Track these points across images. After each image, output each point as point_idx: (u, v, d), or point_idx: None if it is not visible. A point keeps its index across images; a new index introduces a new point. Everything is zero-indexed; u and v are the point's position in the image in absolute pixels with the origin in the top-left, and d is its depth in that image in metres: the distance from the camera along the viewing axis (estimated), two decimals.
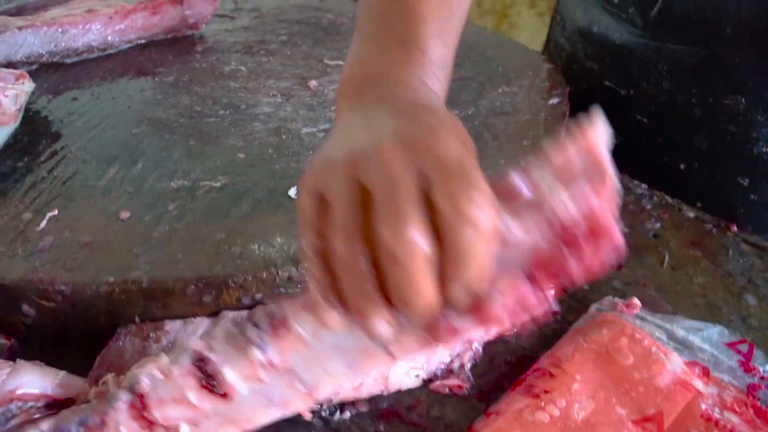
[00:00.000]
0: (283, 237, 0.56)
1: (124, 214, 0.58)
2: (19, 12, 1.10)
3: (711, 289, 0.63)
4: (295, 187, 0.62)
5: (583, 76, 0.81)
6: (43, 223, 0.57)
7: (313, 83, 0.80)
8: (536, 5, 2.17)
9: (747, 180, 0.73)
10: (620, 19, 0.75)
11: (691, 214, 0.72)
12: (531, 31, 2.11)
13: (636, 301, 0.57)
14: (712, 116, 0.72)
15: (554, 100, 0.76)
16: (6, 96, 0.68)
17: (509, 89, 0.79)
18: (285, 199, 0.61)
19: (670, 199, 0.74)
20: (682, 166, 0.76)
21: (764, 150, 0.72)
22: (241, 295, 0.53)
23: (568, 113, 0.74)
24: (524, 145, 0.67)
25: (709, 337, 0.55)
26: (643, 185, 0.76)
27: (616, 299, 0.58)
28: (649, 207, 0.73)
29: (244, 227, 0.57)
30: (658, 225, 0.71)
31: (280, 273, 0.53)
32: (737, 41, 0.68)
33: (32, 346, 0.52)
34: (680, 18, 0.70)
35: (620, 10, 0.74)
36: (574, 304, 0.61)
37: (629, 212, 0.72)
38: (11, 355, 0.50)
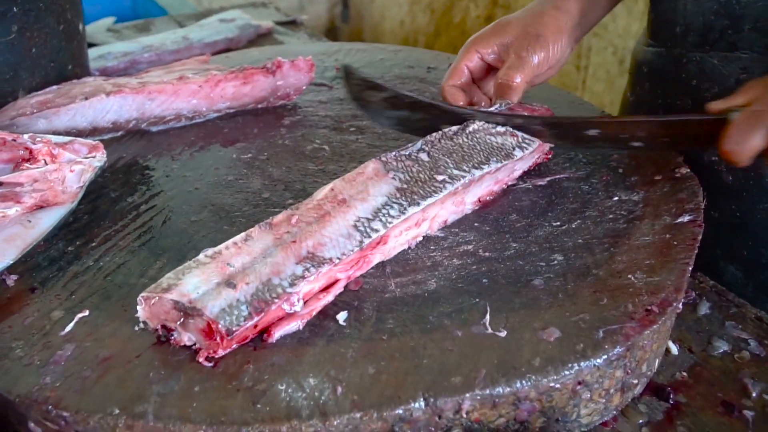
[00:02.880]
0: (318, 378, 0.47)
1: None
2: (132, 65, 1.12)
3: None
4: (346, 312, 0.53)
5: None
6: (70, 326, 0.52)
7: None
8: None
9: (705, 193, 0.70)
10: (644, 36, 0.85)
11: None
12: None
13: None
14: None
15: (684, 218, 0.62)
16: (72, 171, 0.65)
17: (627, 197, 0.65)
18: (332, 324, 0.52)
19: None
20: None
21: (714, 159, 0.74)
22: None
23: (700, 237, 0.59)
24: (634, 282, 0.54)
25: None
26: None
27: None
28: None
29: (276, 357, 0.49)
30: None
31: (303, 428, 0.44)
32: (684, 40, 0.74)
33: None
34: (655, 21, 0.80)
35: (647, 28, 0.84)
36: None
37: None
38: None
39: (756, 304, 0.72)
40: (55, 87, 0.81)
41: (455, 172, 0.60)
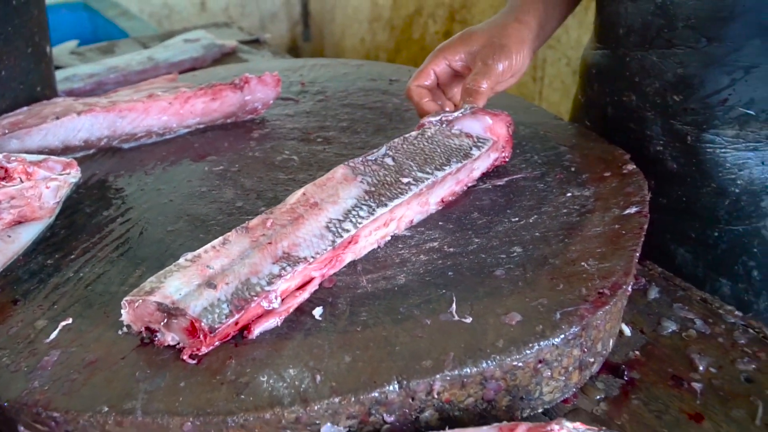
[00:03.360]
0: (297, 368, 0.50)
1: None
2: (98, 86, 1.14)
3: None
4: (321, 307, 0.56)
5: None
6: (54, 334, 0.54)
7: None
8: None
9: (653, 181, 0.78)
10: (591, 40, 0.90)
11: None
12: None
13: None
14: (619, 114, 0.83)
15: (632, 210, 0.66)
16: (48, 188, 0.67)
17: (579, 193, 0.70)
18: (309, 319, 0.55)
19: None
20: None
21: (659, 149, 0.80)
22: None
23: (646, 226, 0.64)
24: (587, 268, 0.58)
25: None
26: (737, 312, 0.65)
27: None
28: (742, 342, 0.62)
29: (256, 352, 0.52)
30: (753, 366, 0.59)
31: (286, 414, 0.47)
32: (627, 41, 0.79)
33: None
34: (601, 25, 0.85)
35: (594, 32, 0.89)
36: None
37: (717, 347, 0.61)
38: None
39: (706, 282, 0.77)
40: (25, 108, 0.83)
41: (419, 174, 0.64)
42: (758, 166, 0.75)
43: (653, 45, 0.76)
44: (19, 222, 0.64)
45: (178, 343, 0.53)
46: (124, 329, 0.54)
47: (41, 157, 0.70)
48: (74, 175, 0.70)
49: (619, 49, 0.81)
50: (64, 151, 0.81)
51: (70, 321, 0.55)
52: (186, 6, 3.12)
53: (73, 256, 0.63)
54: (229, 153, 0.82)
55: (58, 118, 0.79)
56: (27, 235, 0.63)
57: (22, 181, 0.67)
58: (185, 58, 1.27)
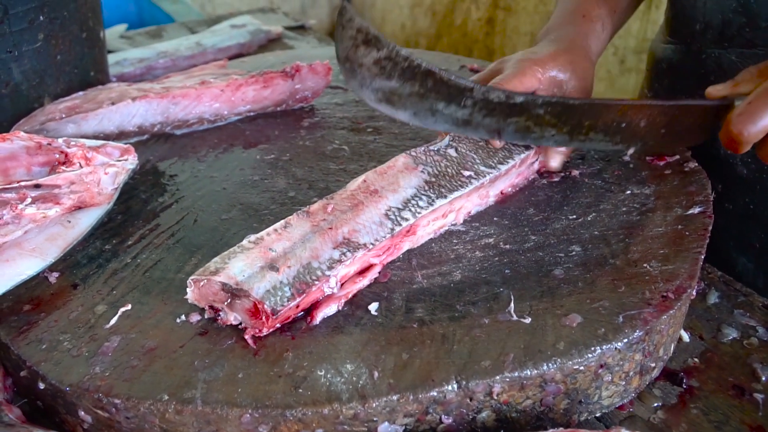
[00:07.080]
0: (354, 364, 0.50)
1: (194, 317, 0.54)
2: (148, 70, 1.15)
3: None
4: (376, 303, 0.56)
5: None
6: (114, 320, 0.55)
7: None
8: None
9: (720, 185, 0.77)
10: (662, 33, 0.88)
11: None
12: None
13: None
14: None
15: (695, 210, 0.64)
16: (106, 174, 0.68)
17: (640, 191, 0.68)
18: (365, 314, 0.55)
19: None
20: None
21: (729, 152, 0.71)
22: (300, 429, 0.48)
23: (710, 228, 0.62)
24: (649, 270, 0.57)
25: None
26: None
27: None
28: None
29: (313, 345, 0.51)
30: None
31: (344, 410, 0.47)
32: (703, 37, 0.77)
33: None
34: (675, 18, 0.83)
35: (665, 25, 0.87)
36: None
37: None
38: None
39: (766, 294, 0.74)
40: (81, 93, 0.83)
41: (482, 168, 0.63)
42: None
43: (732, 43, 0.72)
44: (78, 207, 0.64)
45: (240, 323, 0.53)
46: (182, 317, 0.54)
47: (100, 142, 0.71)
48: (131, 161, 0.70)
49: (694, 45, 0.78)
50: (119, 136, 0.81)
51: (129, 307, 0.56)
52: None
53: (130, 242, 0.64)
54: (279, 141, 0.81)
55: (113, 103, 0.80)
56: (86, 220, 0.63)
57: (81, 167, 0.67)
58: (232, 44, 1.27)
